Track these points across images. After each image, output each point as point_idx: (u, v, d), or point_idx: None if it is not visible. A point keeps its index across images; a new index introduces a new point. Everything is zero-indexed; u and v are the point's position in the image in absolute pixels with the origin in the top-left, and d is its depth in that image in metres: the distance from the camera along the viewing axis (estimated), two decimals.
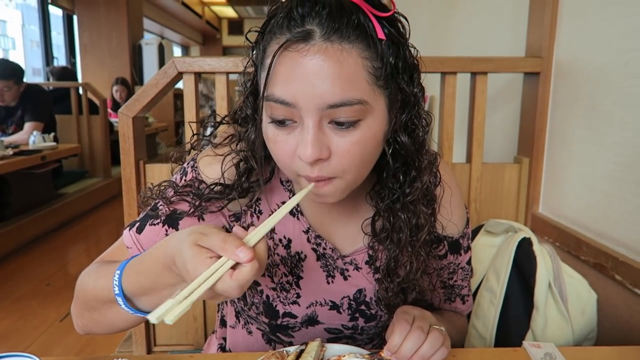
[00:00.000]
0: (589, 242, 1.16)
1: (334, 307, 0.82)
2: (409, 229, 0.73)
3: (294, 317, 0.81)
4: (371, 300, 0.82)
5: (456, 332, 0.92)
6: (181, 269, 0.56)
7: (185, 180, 0.78)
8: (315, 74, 0.58)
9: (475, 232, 1.31)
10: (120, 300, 0.67)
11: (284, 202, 0.76)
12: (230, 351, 0.94)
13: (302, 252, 0.80)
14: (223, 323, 0.98)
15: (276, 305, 0.81)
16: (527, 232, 1.18)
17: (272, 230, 0.78)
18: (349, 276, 0.81)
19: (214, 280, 0.53)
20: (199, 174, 0.78)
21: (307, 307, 0.81)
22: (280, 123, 0.62)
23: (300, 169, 0.63)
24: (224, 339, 0.96)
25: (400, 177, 0.71)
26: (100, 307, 0.71)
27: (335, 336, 0.85)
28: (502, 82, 1.69)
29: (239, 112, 0.74)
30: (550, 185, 1.40)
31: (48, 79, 5.01)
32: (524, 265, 1.11)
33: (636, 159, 1.05)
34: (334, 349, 0.78)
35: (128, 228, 0.79)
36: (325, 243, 0.80)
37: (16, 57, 7.13)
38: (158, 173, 1.41)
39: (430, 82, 2.22)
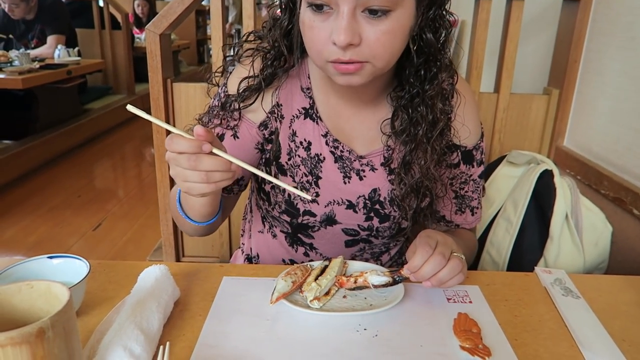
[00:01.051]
0: (610, 176, 1.17)
1: (350, 206, 0.87)
2: (426, 123, 0.79)
3: (314, 215, 0.87)
4: (385, 200, 0.87)
5: (470, 254, 0.98)
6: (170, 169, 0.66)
7: (219, 102, 0.86)
8: None
9: (497, 162, 1.33)
10: (179, 209, 0.81)
11: (304, 108, 0.85)
12: (257, 256, 1.01)
13: (320, 154, 0.86)
14: (249, 235, 1.04)
15: (297, 204, 0.87)
16: (549, 164, 1.19)
17: (294, 134, 0.86)
18: (365, 176, 0.86)
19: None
20: (226, 90, 0.85)
21: (325, 206, 0.87)
22: (318, 8, 0.67)
23: (331, 54, 0.68)
24: (248, 255, 1.03)
25: (421, 73, 0.76)
26: (176, 216, 0.84)
27: (352, 238, 0.91)
28: (538, 9, 1.62)
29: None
30: (577, 118, 1.38)
31: None
32: (542, 196, 1.13)
33: None
34: (356, 266, 0.83)
35: None
36: (343, 146, 0.85)
37: None
38: (185, 92, 1.43)
39: (463, 6, 2.12)
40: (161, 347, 0.61)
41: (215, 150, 0.63)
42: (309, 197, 0.73)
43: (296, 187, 0.72)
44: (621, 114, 1.19)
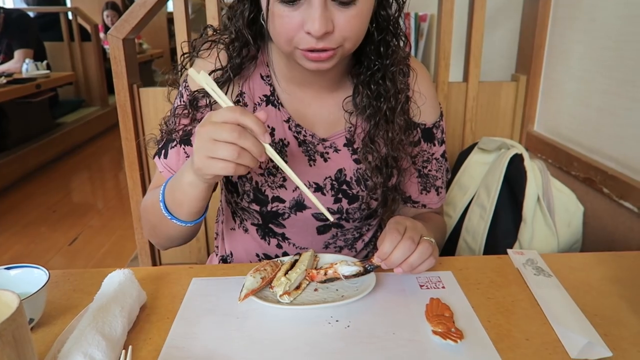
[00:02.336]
0: (580, 157, 1.18)
1: (318, 188, 0.87)
2: (388, 96, 0.81)
3: (282, 201, 0.87)
4: (351, 180, 0.87)
5: (441, 236, 0.99)
6: (197, 142, 0.67)
7: (182, 101, 0.86)
8: None
9: (469, 150, 1.33)
10: (164, 210, 0.79)
11: (265, 95, 0.86)
12: (231, 254, 1.00)
13: (284, 139, 0.86)
14: (222, 237, 1.03)
15: (265, 190, 0.87)
16: (519, 149, 1.20)
17: None
18: (329, 158, 0.87)
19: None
20: (189, 90, 0.85)
21: (293, 191, 0.87)
22: (289, 2, 0.67)
23: (303, 43, 0.69)
24: (223, 256, 1.02)
25: (381, 49, 0.79)
26: (157, 221, 0.83)
27: (324, 224, 0.90)
28: None
29: None
30: (546, 103, 1.40)
31: (38, 4, 4.82)
32: (514, 181, 1.14)
33: (631, 74, 1.04)
34: (327, 258, 0.82)
35: (157, 156, 0.89)
36: (305, 130, 0.86)
37: None
38: (153, 97, 1.41)
39: (432, 1, 2.14)
40: (122, 351, 0.59)
41: (269, 150, 0.67)
42: (332, 219, 0.73)
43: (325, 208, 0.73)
44: (588, 96, 1.20)
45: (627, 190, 1.02)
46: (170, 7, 1.37)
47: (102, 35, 5.25)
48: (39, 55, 3.91)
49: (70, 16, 4.67)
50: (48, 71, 3.67)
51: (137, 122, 1.41)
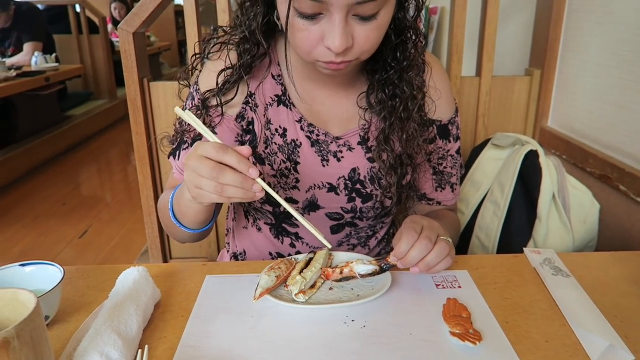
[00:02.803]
0: (596, 154, 1.16)
1: (332, 189, 0.86)
2: (405, 97, 0.80)
3: (296, 202, 0.86)
4: (365, 179, 0.86)
5: (456, 234, 0.98)
6: (186, 174, 0.67)
7: (193, 104, 0.85)
8: None
9: (483, 146, 1.31)
10: (172, 218, 0.81)
11: (277, 95, 0.84)
12: (244, 253, 0.99)
13: (297, 140, 0.85)
14: (233, 235, 1.02)
15: (278, 192, 0.84)
16: (534, 145, 1.18)
17: (269, 122, 0.85)
18: (342, 157, 0.86)
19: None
20: (200, 93, 0.84)
21: (306, 192, 0.86)
22: (309, 17, 0.66)
23: (323, 56, 0.69)
24: (235, 253, 1.02)
25: (399, 50, 0.78)
26: (169, 224, 0.84)
27: (337, 223, 0.90)
28: None
29: None
30: (560, 98, 1.38)
31: None
32: (529, 177, 1.12)
33: None
34: (342, 257, 0.81)
35: (171, 156, 0.90)
36: (318, 130, 0.85)
37: None
38: (163, 92, 1.40)
39: None
40: (139, 350, 0.59)
41: (260, 183, 0.64)
42: (329, 246, 0.70)
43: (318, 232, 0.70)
44: (603, 91, 1.18)
45: None
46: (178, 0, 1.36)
47: (110, 27, 5.25)
48: (48, 48, 3.92)
49: (78, 9, 4.67)
50: (57, 64, 3.68)
51: (148, 116, 1.40)
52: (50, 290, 0.63)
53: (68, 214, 2.84)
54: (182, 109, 0.89)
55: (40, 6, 4.47)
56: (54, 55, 3.73)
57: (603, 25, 1.18)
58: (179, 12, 6.99)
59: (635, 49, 1.07)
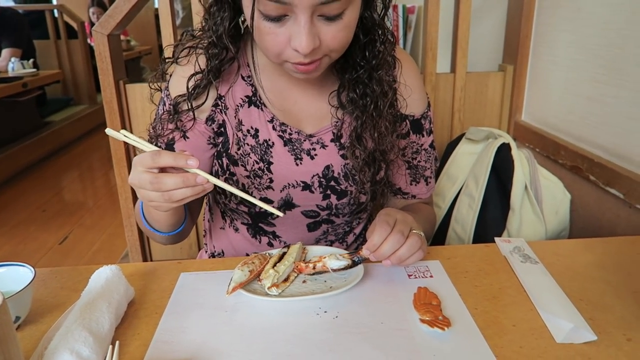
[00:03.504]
0: (567, 145, 1.19)
1: (306, 187, 0.87)
2: (375, 95, 0.80)
3: (271, 202, 0.87)
4: (339, 176, 0.87)
5: (430, 227, 1.00)
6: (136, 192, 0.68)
7: (164, 109, 0.85)
8: None
9: (457, 140, 1.33)
10: (145, 224, 0.82)
11: (247, 96, 0.84)
12: (222, 253, 1.00)
13: (269, 140, 0.85)
14: (210, 235, 1.02)
15: (252, 192, 0.86)
16: (506, 138, 1.20)
17: (240, 123, 0.85)
18: (316, 155, 0.86)
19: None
20: (170, 97, 0.84)
21: (281, 191, 0.86)
22: (274, 19, 0.66)
23: (291, 58, 0.69)
24: (212, 253, 1.02)
25: (367, 49, 0.78)
26: (144, 229, 0.85)
27: (314, 220, 0.91)
28: None
29: None
30: (533, 92, 1.40)
31: (25, 1, 4.75)
32: (502, 170, 1.14)
33: (619, 61, 1.05)
34: (315, 251, 0.82)
35: None
36: (291, 128, 0.85)
37: None
38: (140, 93, 1.40)
39: None
40: (110, 347, 0.59)
41: (197, 171, 0.64)
42: (280, 214, 0.70)
43: (269, 205, 0.70)
44: (574, 84, 1.21)
45: (614, 177, 1.03)
46: (157, 3, 1.36)
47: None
48: (29, 55, 3.87)
49: (56, 14, 4.61)
50: (35, 70, 3.63)
51: (125, 119, 1.40)
52: (21, 290, 0.63)
53: (48, 221, 2.81)
54: (156, 114, 0.90)
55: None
56: (31, 60, 3.68)
57: (572, 20, 1.21)
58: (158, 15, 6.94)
59: (603, 43, 1.09)
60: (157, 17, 6.25)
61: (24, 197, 3.16)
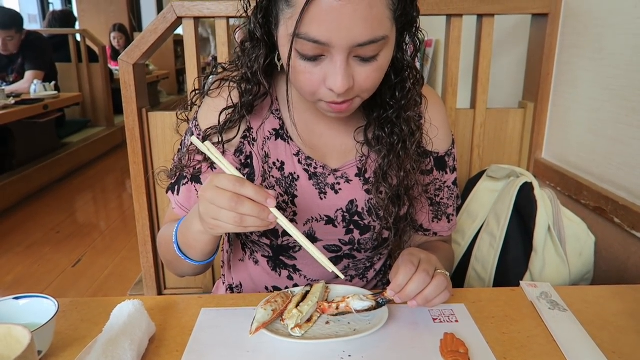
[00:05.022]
0: (590, 186, 1.17)
1: (329, 221, 0.86)
2: (403, 135, 0.81)
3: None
4: (363, 211, 0.86)
5: (449, 266, 0.99)
6: (201, 206, 0.68)
7: (202, 138, 0.85)
8: (349, 17, 0.62)
9: (478, 177, 1.32)
10: (177, 251, 0.81)
11: (275, 129, 0.85)
12: (240, 285, 0.99)
13: (294, 173, 0.85)
14: (229, 267, 1.02)
15: (275, 225, 0.84)
16: (528, 177, 1.19)
17: (267, 155, 0.86)
18: (340, 189, 0.86)
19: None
20: (200, 129, 0.85)
21: (304, 225, 0.86)
22: (311, 59, 0.67)
23: (326, 97, 0.70)
24: (230, 285, 1.01)
25: (397, 89, 0.79)
26: (172, 258, 0.84)
27: (335, 255, 0.90)
28: (509, 25, 1.65)
29: (245, 27, 0.79)
30: (554, 130, 1.40)
31: (51, 25, 4.89)
32: (524, 209, 1.13)
33: None
34: (339, 290, 0.81)
35: (169, 191, 0.91)
36: (316, 163, 0.85)
37: (10, 3, 6.95)
38: (161, 121, 1.41)
39: (436, 26, 2.16)
40: None
41: (275, 212, 0.66)
42: (342, 276, 0.71)
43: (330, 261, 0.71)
44: (596, 124, 1.20)
45: (639, 221, 1.01)
46: (178, 29, 1.39)
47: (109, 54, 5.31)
48: (50, 76, 3.96)
49: (78, 38, 4.73)
50: (56, 92, 3.71)
51: (145, 146, 1.41)
52: (44, 325, 0.63)
53: (62, 242, 2.82)
54: (180, 144, 0.91)
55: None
56: (52, 83, 3.76)
57: (595, 60, 1.21)
58: (178, 41, 7.13)
59: (627, 84, 1.09)
60: (176, 42, 6.36)
61: (39, 218, 3.18)
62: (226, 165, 0.70)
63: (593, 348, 0.67)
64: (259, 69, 0.77)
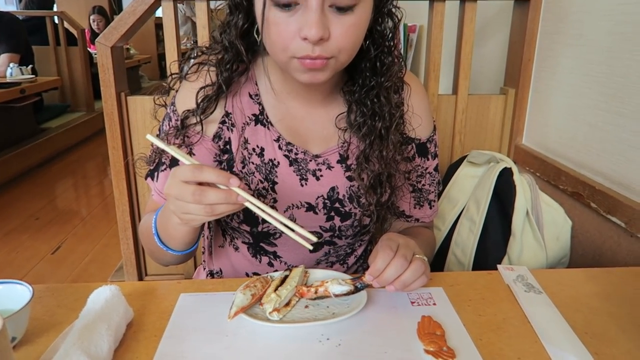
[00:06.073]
0: (568, 171, 1.19)
1: (310, 208, 0.86)
2: (384, 114, 0.80)
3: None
4: (344, 197, 0.86)
5: (430, 251, 1.00)
6: (170, 204, 0.68)
7: (171, 125, 0.85)
8: None
9: (459, 163, 1.33)
10: (158, 242, 0.80)
11: (254, 114, 0.84)
12: (220, 271, 0.98)
13: (274, 159, 0.84)
14: (209, 252, 1.01)
15: (255, 212, 0.84)
16: (508, 162, 1.20)
17: (246, 141, 0.84)
18: (321, 176, 0.86)
19: None
20: (177, 114, 0.84)
21: (284, 211, 0.86)
22: (285, 6, 0.66)
23: (299, 50, 0.67)
24: (211, 271, 1.00)
25: (377, 65, 0.79)
26: (154, 248, 0.84)
27: (316, 242, 0.89)
28: (492, 11, 1.65)
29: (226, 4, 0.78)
30: (534, 116, 1.41)
31: (27, 8, 4.75)
32: (503, 194, 1.14)
33: (621, 90, 1.06)
34: (317, 274, 0.81)
35: (149, 177, 0.89)
36: (297, 148, 0.85)
37: None
38: (141, 106, 1.39)
39: (419, 11, 2.15)
40: None
41: (239, 192, 0.64)
42: (314, 239, 0.69)
43: (300, 235, 0.69)
44: (576, 110, 1.21)
45: (615, 205, 1.03)
46: (158, 12, 1.36)
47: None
48: (27, 60, 3.86)
49: (56, 20, 4.62)
50: (33, 76, 3.62)
51: (125, 131, 1.39)
52: (18, 311, 0.62)
53: (41, 229, 2.78)
54: (159, 130, 0.89)
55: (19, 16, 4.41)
56: (29, 66, 3.67)
57: (574, 47, 1.21)
58: (160, 24, 6.97)
59: (606, 71, 1.10)
60: (157, 26, 6.27)
61: (17, 205, 3.12)
62: (183, 156, 0.68)
63: (566, 329, 0.68)
64: (236, 34, 0.76)
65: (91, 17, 5.65)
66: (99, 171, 3.94)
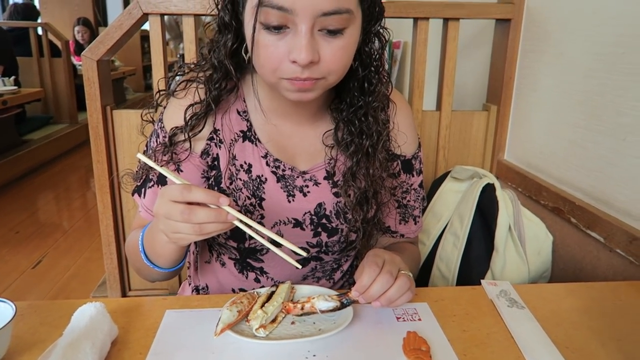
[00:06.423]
0: (549, 187, 1.22)
1: (297, 224, 0.86)
2: (371, 133, 0.82)
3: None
4: (331, 214, 0.87)
5: (415, 266, 1.01)
6: (159, 223, 0.68)
7: (158, 141, 0.85)
8: None
9: (442, 178, 1.35)
10: (144, 259, 0.80)
11: (242, 131, 0.85)
12: (207, 287, 0.98)
13: (262, 176, 0.85)
14: (195, 268, 1.01)
15: (246, 231, 0.84)
16: (491, 178, 1.23)
17: (234, 157, 0.85)
18: (309, 192, 0.86)
19: None
20: (165, 131, 0.84)
21: (271, 228, 0.86)
22: (275, 29, 0.66)
23: (288, 73, 0.68)
24: (197, 286, 1.00)
25: (365, 85, 0.80)
26: (140, 265, 0.83)
27: (303, 257, 0.89)
28: (475, 29, 1.69)
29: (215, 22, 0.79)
30: (516, 132, 1.44)
31: (11, 18, 4.71)
32: (486, 210, 1.16)
33: (599, 108, 1.09)
34: (304, 290, 0.81)
35: (136, 193, 0.89)
36: (284, 165, 0.85)
37: None
38: (126, 120, 1.39)
39: (403, 28, 2.18)
40: None
41: (230, 210, 0.64)
42: (304, 254, 0.69)
43: (290, 251, 0.69)
44: (556, 127, 1.24)
45: (594, 221, 1.06)
46: (145, 24, 1.36)
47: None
48: (10, 71, 3.82)
49: (40, 31, 4.59)
50: (16, 87, 3.58)
51: (110, 144, 1.38)
52: (0, 329, 0.61)
53: (22, 243, 2.73)
54: (146, 146, 0.89)
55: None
56: (12, 78, 3.63)
57: (555, 65, 1.25)
58: (145, 36, 6.98)
59: (584, 90, 1.13)
60: (143, 38, 6.23)
61: None
62: (172, 176, 0.69)
63: (548, 343, 0.70)
64: (226, 55, 0.76)
65: (76, 29, 5.62)
66: (82, 184, 3.89)
